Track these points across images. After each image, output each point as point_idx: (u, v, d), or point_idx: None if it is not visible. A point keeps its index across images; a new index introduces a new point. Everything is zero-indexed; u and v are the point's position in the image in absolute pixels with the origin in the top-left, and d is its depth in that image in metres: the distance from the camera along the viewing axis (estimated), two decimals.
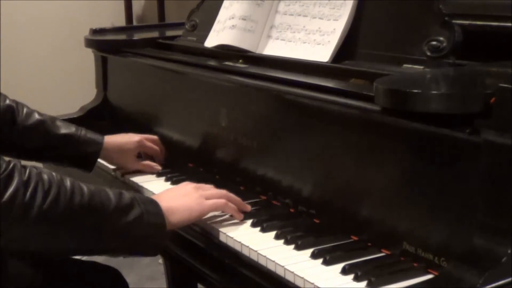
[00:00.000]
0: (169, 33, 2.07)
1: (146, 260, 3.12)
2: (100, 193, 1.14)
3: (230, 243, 1.23)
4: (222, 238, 1.26)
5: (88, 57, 2.12)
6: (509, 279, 0.91)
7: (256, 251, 1.17)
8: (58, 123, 1.61)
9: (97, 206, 1.12)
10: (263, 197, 1.41)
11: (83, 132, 1.60)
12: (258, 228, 1.26)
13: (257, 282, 1.14)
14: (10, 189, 1.03)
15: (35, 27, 3.12)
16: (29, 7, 3.05)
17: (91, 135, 1.61)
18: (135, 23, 3.39)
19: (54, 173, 1.11)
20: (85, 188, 1.12)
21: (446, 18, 1.28)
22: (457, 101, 1.03)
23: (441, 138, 1.05)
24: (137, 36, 2.11)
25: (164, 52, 1.86)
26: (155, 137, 1.70)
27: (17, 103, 1.59)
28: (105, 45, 2.01)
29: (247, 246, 1.19)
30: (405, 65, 1.31)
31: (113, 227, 1.14)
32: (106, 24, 2.94)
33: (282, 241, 1.20)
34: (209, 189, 1.33)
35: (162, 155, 1.69)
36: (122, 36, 2.09)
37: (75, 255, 1.21)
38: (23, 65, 3.14)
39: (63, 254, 1.16)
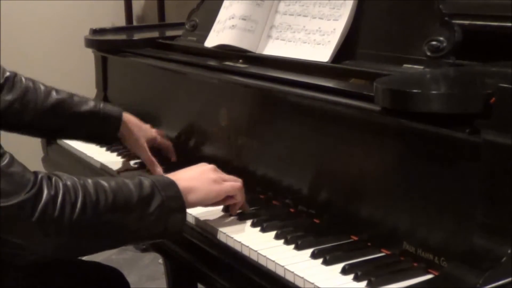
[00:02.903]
0: (169, 33, 2.08)
1: (146, 260, 3.13)
2: (122, 189, 1.15)
3: (230, 243, 1.23)
4: (222, 238, 1.26)
5: (88, 57, 2.12)
6: (509, 279, 0.91)
7: (256, 251, 1.17)
8: (76, 99, 1.62)
9: (121, 204, 1.14)
10: (263, 197, 1.41)
11: (101, 106, 1.62)
12: (258, 228, 1.26)
13: (257, 282, 1.14)
14: (40, 206, 1.05)
15: (35, 27, 3.12)
16: (29, 7, 3.05)
17: (110, 108, 1.63)
18: (135, 23, 3.39)
19: (76, 178, 1.12)
20: (107, 186, 1.14)
21: (446, 18, 1.28)
22: (457, 101, 1.03)
23: (441, 138, 1.05)
24: (137, 36, 2.11)
25: (164, 52, 1.86)
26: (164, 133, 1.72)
27: (33, 81, 1.60)
28: (105, 45, 2.01)
29: (247, 246, 1.19)
30: (405, 65, 1.31)
31: (138, 220, 1.16)
32: (106, 24, 2.94)
33: (282, 241, 1.20)
34: (225, 174, 1.33)
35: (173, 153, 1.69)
36: (122, 36, 2.09)
37: (106, 249, 1.25)
38: (23, 65, 3.12)
39: (94, 252, 1.20)
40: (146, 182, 1.18)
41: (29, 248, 1.07)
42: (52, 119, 1.59)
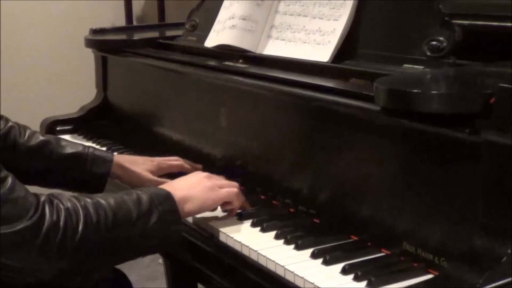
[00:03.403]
0: (169, 33, 2.07)
1: (146, 260, 3.12)
2: (121, 207, 1.16)
3: (230, 243, 1.23)
4: (222, 238, 1.26)
5: (88, 57, 2.12)
6: (509, 279, 0.91)
7: (256, 251, 1.17)
8: (64, 142, 1.55)
9: (121, 222, 1.15)
10: (263, 197, 1.41)
11: (90, 150, 1.54)
12: (258, 228, 1.26)
13: (257, 282, 1.14)
14: (43, 232, 1.05)
15: (35, 27, 3.12)
16: (29, 7, 3.05)
17: (100, 153, 1.55)
18: (135, 23, 3.39)
19: (75, 200, 1.12)
20: (106, 206, 1.14)
21: (446, 18, 1.28)
22: (457, 101, 1.03)
23: (441, 138, 1.05)
24: (137, 36, 2.11)
25: (164, 52, 1.86)
26: (173, 158, 1.61)
27: (19, 125, 1.55)
28: (105, 45, 2.01)
29: (247, 246, 1.19)
30: (405, 65, 1.31)
31: (138, 236, 1.17)
32: (106, 24, 2.94)
33: (282, 241, 1.20)
34: (220, 179, 1.34)
35: (188, 167, 1.60)
36: (122, 36, 2.09)
37: (106, 267, 1.25)
38: (23, 65, 3.13)
39: (95, 272, 1.19)
40: (144, 197, 1.19)
41: (31, 273, 1.08)
42: (35, 160, 1.51)
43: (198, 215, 1.32)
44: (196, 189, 1.27)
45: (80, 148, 1.54)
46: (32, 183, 1.54)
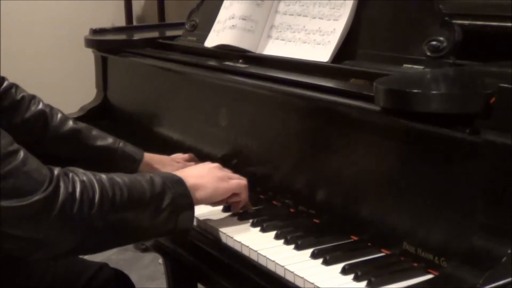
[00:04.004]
0: (169, 33, 2.07)
1: (146, 260, 3.13)
2: (136, 186, 1.16)
3: (230, 243, 1.23)
4: (222, 238, 1.26)
5: (88, 57, 2.12)
6: (509, 279, 0.91)
7: (256, 251, 1.17)
8: (94, 133, 1.54)
9: (135, 200, 1.14)
10: (263, 197, 1.41)
11: (120, 145, 1.53)
12: (258, 228, 1.26)
13: (257, 282, 1.14)
14: (59, 203, 1.05)
15: (35, 27, 3.12)
16: (29, 7, 3.05)
17: (130, 149, 1.54)
18: (135, 23, 3.39)
19: (91, 174, 1.12)
20: (121, 183, 1.14)
21: (446, 18, 1.28)
22: (457, 101, 1.03)
23: (441, 138, 1.05)
24: (137, 36, 2.11)
25: (164, 52, 1.86)
26: (190, 157, 1.60)
27: (51, 108, 1.55)
28: (105, 45, 2.01)
29: (247, 246, 1.19)
30: (405, 65, 1.31)
31: (151, 216, 1.16)
32: (106, 24, 2.94)
33: (282, 241, 1.20)
34: (229, 172, 1.34)
35: None
36: (122, 36, 2.09)
37: (118, 246, 1.26)
38: (23, 65, 3.13)
39: (107, 249, 1.20)
40: (157, 179, 1.19)
41: (49, 245, 1.07)
42: (63, 147, 1.52)
43: (199, 215, 1.32)
44: (207, 177, 1.27)
45: (110, 141, 1.53)
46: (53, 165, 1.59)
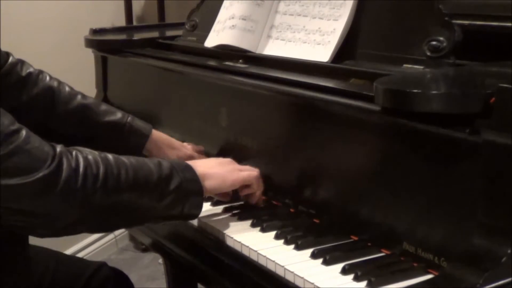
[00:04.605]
0: (169, 33, 2.07)
1: (146, 260, 3.13)
2: (143, 167, 1.16)
3: (230, 243, 1.23)
4: (222, 238, 1.26)
5: (88, 57, 2.12)
6: (509, 279, 0.91)
7: (256, 251, 1.17)
8: (103, 108, 1.54)
9: (141, 181, 1.14)
10: (264, 197, 1.41)
11: (129, 120, 1.53)
12: (258, 228, 1.26)
13: (257, 282, 1.14)
14: (63, 178, 1.05)
15: (35, 27, 3.12)
16: (29, 7, 3.05)
17: (138, 124, 1.53)
18: (135, 23, 3.39)
19: (97, 153, 1.13)
20: (128, 163, 1.14)
21: (446, 18, 1.28)
22: (457, 101, 1.03)
23: (441, 138, 1.05)
24: (137, 36, 2.11)
25: (164, 52, 1.86)
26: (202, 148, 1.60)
27: (59, 82, 1.53)
28: (105, 45, 2.01)
29: (247, 246, 1.19)
30: (405, 65, 1.31)
31: (157, 198, 1.16)
32: (106, 24, 2.94)
33: (282, 241, 1.20)
34: (242, 166, 1.35)
35: None
36: (122, 36, 2.09)
37: (122, 228, 1.24)
38: None
39: (113, 230, 1.19)
40: (165, 163, 1.19)
41: (51, 219, 1.07)
42: (71, 123, 1.51)
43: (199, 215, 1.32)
44: (216, 168, 1.28)
45: (118, 116, 1.53)
46: (61, 143, 1.58)
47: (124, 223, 1.22)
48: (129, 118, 1.53)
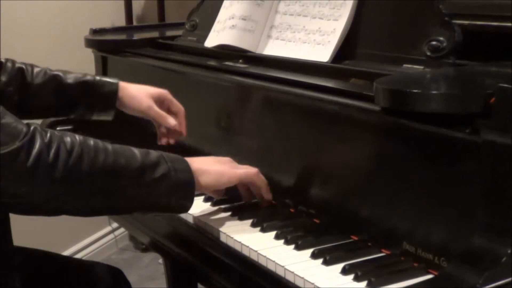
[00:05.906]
0: (169, 33, 2.07)
1: (146, 260, 3.13)
2: (125, 152, 1.14)
3: (230, 243, 1.23)
4: (222, 238, 1.26)
5: (88, 57, 2.12)
6: (509, 279, 0.91)
7: (256, 251, 1.17)
8: (71, 74, 1.58)
9: (122, 165, 1.12)
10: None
11: (97, 77, 1.58)
12: (258, 228, 1.26)
13: (257, 282, 1.14)
14: (34, 152, 1.04)
15: (35, 27, 3.12)
16: (29, 7, 3.05)
17: (106, 78, 1.58)
18: (135, 23, 3.39)
19: (76, 135, 1.12)
20: (109, 147, 1.13)
21: (446, 18, 1.28)
22: (457, 101, 1.03)
23: (441, 138, 1.05)
24: (137, 36, 2.11)
25: (164, 52, 1.86)
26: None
27: (25, 64, 1.57)
28: (105, 45, 2.01)
29: (247, 246, 1.19)
30: (405, 65, 1.31)
31: (138, 185, 1.14)
32: (106, 24, 2.94)
33: (282, 241, 1.20)
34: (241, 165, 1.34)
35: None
36: (122, 36, 2.09)
37: (103, 214, 1.22)
38: None
39: (90, 214, 1.17)
40: (154, 152, 1.18)
41: (24, 196, 1.06)
42: (46, 95, 1.55)
43: (198, 215, 1.32)
44: (212, 165, 1.27)
45: (87, 76, 1.57)
46: (42, 116, 1.64)
47: (107, 207, 1.17)
48: (97, 76, 1.59)
